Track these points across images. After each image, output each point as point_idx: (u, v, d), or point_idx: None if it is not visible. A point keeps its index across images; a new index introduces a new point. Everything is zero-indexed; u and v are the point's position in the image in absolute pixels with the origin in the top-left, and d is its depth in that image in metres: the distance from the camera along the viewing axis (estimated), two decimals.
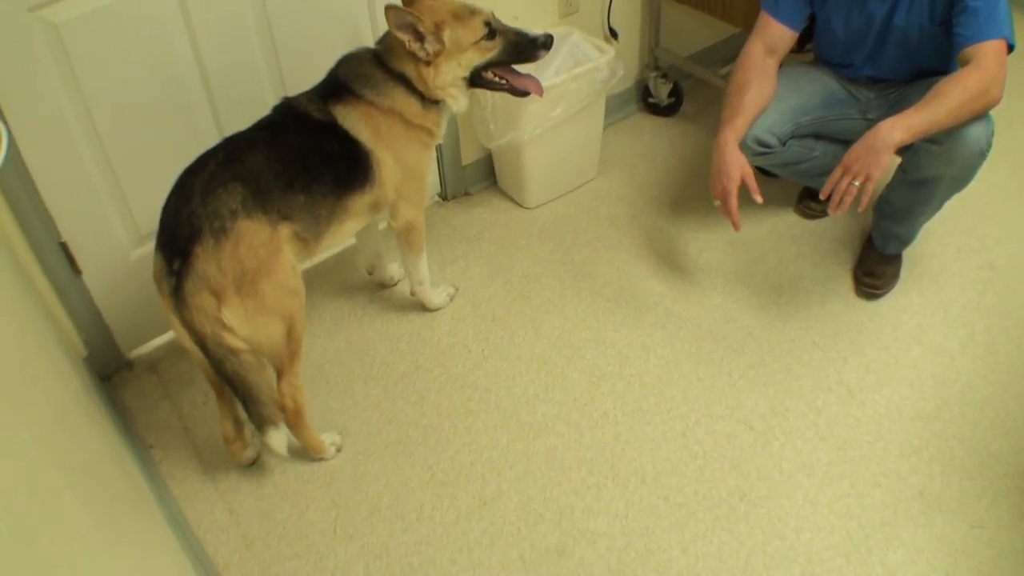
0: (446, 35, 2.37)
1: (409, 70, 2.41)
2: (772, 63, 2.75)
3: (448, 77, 2.43)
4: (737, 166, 2.62)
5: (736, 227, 2.69)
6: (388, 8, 2.29)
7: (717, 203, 2.70)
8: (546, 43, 2.49)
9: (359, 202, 2.43)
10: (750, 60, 2.74)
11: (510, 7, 3.06)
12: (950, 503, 2.33)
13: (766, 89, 2.72)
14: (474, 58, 2.44)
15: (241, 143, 2.28)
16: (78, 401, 2.08)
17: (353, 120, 2.39)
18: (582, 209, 3.38)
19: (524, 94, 2.57)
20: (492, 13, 2.45)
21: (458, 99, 2.50)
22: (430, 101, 2.46)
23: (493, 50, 2.45)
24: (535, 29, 2.50)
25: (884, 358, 2.71)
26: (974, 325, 2.81)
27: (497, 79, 2.52)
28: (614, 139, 3.70)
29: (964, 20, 2.43)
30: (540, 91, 2.59)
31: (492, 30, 2.43)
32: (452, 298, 3.01)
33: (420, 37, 2.34)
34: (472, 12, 2.41)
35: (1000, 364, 2.68)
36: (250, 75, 2.69)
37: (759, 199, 2.62)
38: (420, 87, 2.43)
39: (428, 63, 2.39)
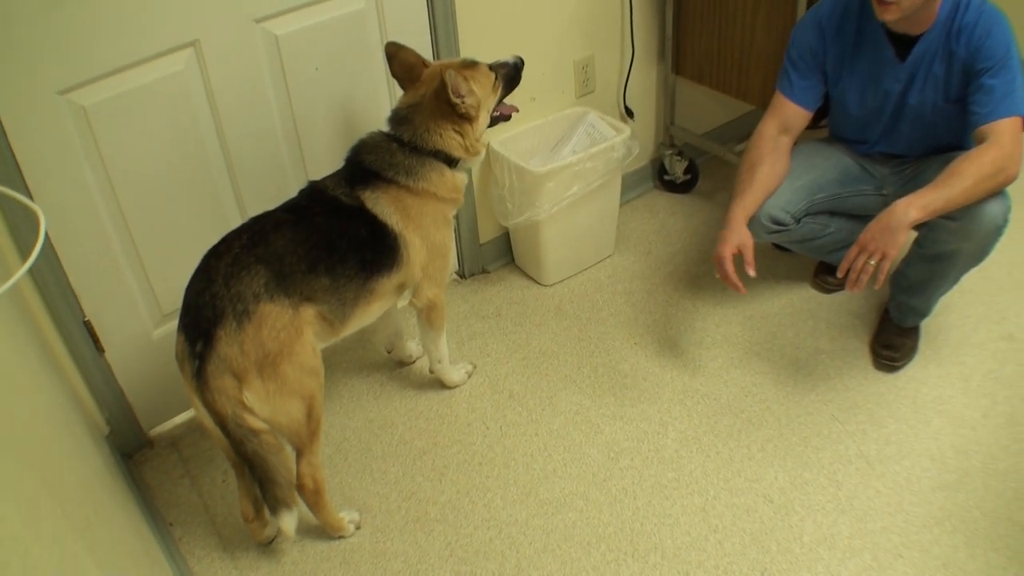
0: (475, 86, 2.48)
1: (447, 139, 2.50)
2: (786, 141, 2.79)
3: (483, 126, 2.57)
4: (737, 236, 2.64)
5: (739, 291, 2.69)
6: (446, 78, 2.39)
7: (718, 275, 2.71)
8: (520, 62, 2.66)
9: (386, 284, 2.47)
10: (762, 139, 2.78)
11: (528, 89, 3.13)
12: (975, 574, 2.30)
13: (778, 168, 2.75)
14: (493, 100, 2.58)
15: (266, 225, 2.31)
16: (101, 478, 2.10)
17: (382, 205, 2.43)
18: (599, 286, 3.40)
19: (508, 117, 2.70)
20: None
21: (483, 148, 2.61)
22: (458, 165, 2.55)
23: (500, 87, 2.60)
24: (504, 57, 2.65)
25: (904, 430, 2.70)
26: (995, 395, 2.79)
27: (496, 114, 2.65)
28: (630, 216, 3.73)
29: (980, 98, 2.45)
30: (516, 109, 2.74)
31: (494, 71, 2.57)
32: (470, 375, 3.02)
33: (460, 93, 2.44)
34: (474, 61, 2.57)
35: (1022, 434, 2.66)
36: (272, 157, 2.74)
37: (752, 272, 2.63)
38: (460, 151, 2.53)
39: (472, 119, 2.50)
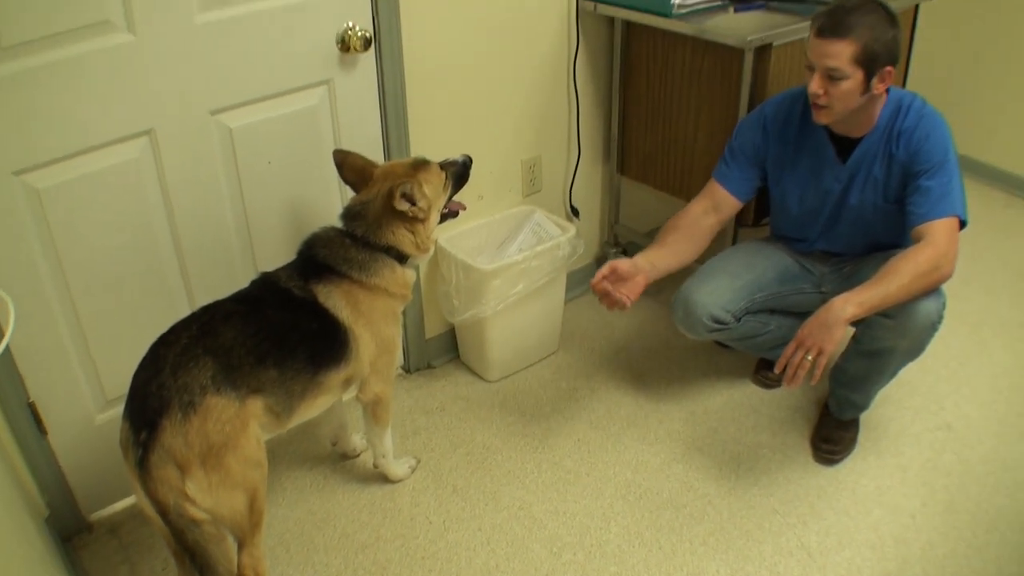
0: (426, 189, 2.53)
1: (399, 236, 2.53)
2: (709, 223, 2.86)
3: (434, 224, 2.61)
4: (619, 263, 2.71)
5: (613, 304, 2.76)
6: (394, 188, 2.45)
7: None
8: (469, 161, 2.73)
9: (334, 378, 2.47)
10: (687, 213, 2.87)
11: (476, 188, 3.19)
12: None
13: (694, 240, 2.85)
14: (444, 199, 2.63)
15: (216, 315, 2.31)
16: (43, 561, 2.06)
17: (335, 299, 2.45)
18: (543, 382, 3.42)
19: (456, 214, 2.75)
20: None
21: (433, 245, 2.65)
22: (408, 262, 2.58)
23: (450, 185, 2.65)
24: (453, 155, 2.71)
25: (844, 521, 2.73)
26: (933, 484, 2.84)
27: (446, 211, 2.70)
28: (575, 314, 3.77)
29: (917, 199, 2.53)
30: (464, 206, 2.77)
31: (444, 170, 2.63)
32: (414, 470, 3.01)
33: (412, 200, 2.48)
34: (426, 161, 2.61)
35: (961, 521, 2.71)
36: (222, 247, 2.76)
37: (603, 270, 2.71)
38: (411, 248, 2.56)
39: (424, 220, 2.54)
